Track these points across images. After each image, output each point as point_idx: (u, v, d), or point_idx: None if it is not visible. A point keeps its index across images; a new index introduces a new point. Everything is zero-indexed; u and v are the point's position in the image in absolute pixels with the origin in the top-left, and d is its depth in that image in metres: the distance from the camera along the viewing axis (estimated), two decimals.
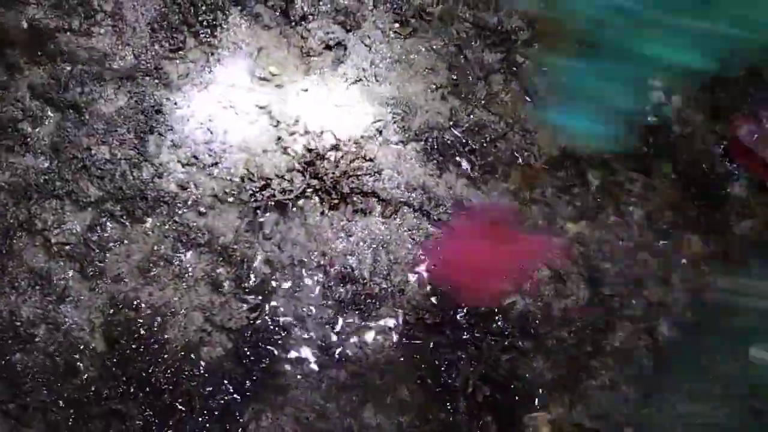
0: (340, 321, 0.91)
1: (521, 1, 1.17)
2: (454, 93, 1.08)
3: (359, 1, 1.08)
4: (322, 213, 0.96)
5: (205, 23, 1.01)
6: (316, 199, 0.97)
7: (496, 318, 0.95)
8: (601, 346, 1.00)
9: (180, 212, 0.93)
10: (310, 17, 1.06)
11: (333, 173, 0.96)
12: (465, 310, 0.94)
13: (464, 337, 0.93)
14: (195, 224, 0.93)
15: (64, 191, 0.90)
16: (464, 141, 1.04)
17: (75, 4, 0.97)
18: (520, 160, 1.06)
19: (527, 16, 1.17)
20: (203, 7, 1.01)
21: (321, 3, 1.06)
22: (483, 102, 1.09)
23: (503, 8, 1.16)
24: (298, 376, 0.90)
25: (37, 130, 0.93)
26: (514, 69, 1.12)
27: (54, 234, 0.89)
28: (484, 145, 1.05)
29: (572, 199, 1.07)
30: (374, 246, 0.95)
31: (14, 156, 0.91)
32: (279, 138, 0.98)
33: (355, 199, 0.96)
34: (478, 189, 1.01)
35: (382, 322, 0.92)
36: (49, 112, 0.94)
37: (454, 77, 1.09)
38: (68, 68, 0.95)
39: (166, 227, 0.93)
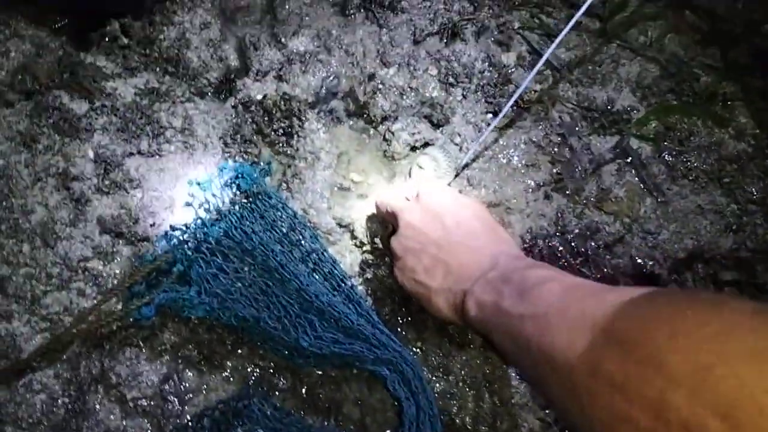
0: None
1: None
2: (559, 190, 0.95)
3: (446, 92, 0.96)
4: (416, 348, 0.85)
5: (280, 131, 0.92)
6: (406, 333, 0.86)
7: None
8: None
9: (260, 351, 0.85)
10: (392, 115, 0.95)
11: None
12: None
13: None
14: (278, 366, 0.85)
15: (138, 338, 0.83)
16: (574, 248, 0.90)
17: (143, 124, 0.90)
18: (645, 269, 0.91)
19: (641, 87, 1.01)
20: (278, 114, 0.91)
21: (404, 97, 0.95)
22: (594, 200, 0.94)
23: (612, 81, 1.01)
24: None
25: (108, 267, 0.87)
26: (629, 157, 0.97)
27: (129, 387, 0.82)
28: (599, 251, 0.91)
29: None
30: (476, 387, 0.84)
31: (86, 300, 0.85)
32: (363, 262, 0.88)
33: (451, 331, 0.85)
34: None
35: None
36: (120, 247, 0.87)
37: (558, 172, 0.95)
38: (138, 196, 0.88)
39: (249, 370, 0.84)
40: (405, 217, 0.79)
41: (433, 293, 0.75)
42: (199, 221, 0.75)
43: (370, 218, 0.90)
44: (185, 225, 0.75)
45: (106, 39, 0.94)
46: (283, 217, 0.80)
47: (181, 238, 0.75)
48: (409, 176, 0.92)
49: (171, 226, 0.78)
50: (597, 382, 0.45)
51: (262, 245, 0.77)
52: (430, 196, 0.80)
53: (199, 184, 0.78)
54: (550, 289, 0.58)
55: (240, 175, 0.76)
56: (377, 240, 0.88)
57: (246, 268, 0.79)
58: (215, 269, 0.78)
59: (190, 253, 0.77)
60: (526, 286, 0.62)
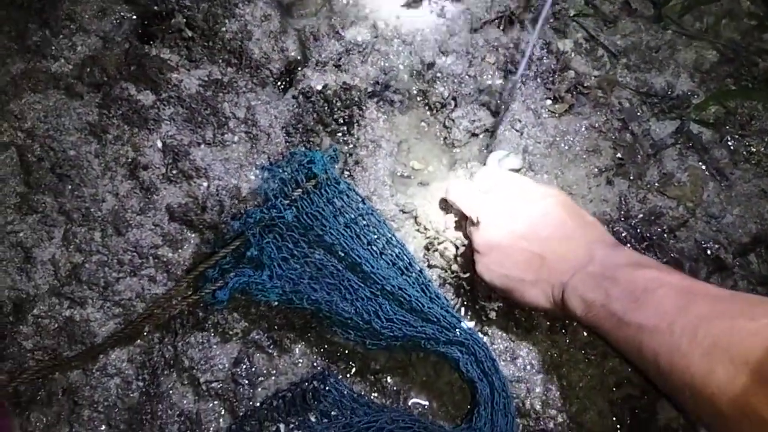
0: None
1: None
2: (621, 175, 0.95)
3: (505, 79, 0.97)
4: (482, 333, 0.85)
5: (341, 120, 0.93)
6: (471, 318, 0.86)
7: None
8: None
9: (328, 335, 0.85)
10: (452, 102, 0.95)
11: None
12: None
13: None
14: (345, 351, 0.85)
15: (209, 323, 0.84)
16: (639, 233, 0.90)
17: (207, 114, 0.91)
18: (709, 252, 0.90)
19: (699, 72, 1.01)
20: (338, 104, 0.92)
21: (463, 85, 0.96)
22: (656, 184, 0.94)
23: (669, 66, 1.01)
24: None
25: (177, 254, 0.88)
26: (691, 141, 0.96)
27: (202, 371, 0.83)
28: (664, 236, 0.91)
29: None
30: (544, 371, 0.84)
31: (157, 286, 0.87)
32: (427, 247, 0.88)
33: (517, 315, 0.85)
34: None
35: None
36: (188, 234, 0.89)
37: (620, 157, 0.95)
38: (204, 185, 0.90)
39: (317, 354, 0.85)
40: (487, 213, 0.79)
41: (528, 286, 0.75)
42: (272, 206, 0.76)
43: (432, 205, 0.91)
44: (260, 210, 0.76)
45: (170, 32, 0.95)
46: (351, 202, 0.81)
47: (254, 222, 0.76)
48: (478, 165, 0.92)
49: (245, 211, 0.79)
50: (749, 421, 0.45)
51: (331, 230, 0.78)
52: (509, 188, 0.80)
53: (270, 169, 0.79)
54: (663, 297, 0.59)
55: (311, 161, 0.77)
56: (443, 228, 0.89)
57: (316, 253, 0.80)
58: (286, 253, 0.79)
59: (262, 237, 0.78)
60: (637, 290, 0.63)
